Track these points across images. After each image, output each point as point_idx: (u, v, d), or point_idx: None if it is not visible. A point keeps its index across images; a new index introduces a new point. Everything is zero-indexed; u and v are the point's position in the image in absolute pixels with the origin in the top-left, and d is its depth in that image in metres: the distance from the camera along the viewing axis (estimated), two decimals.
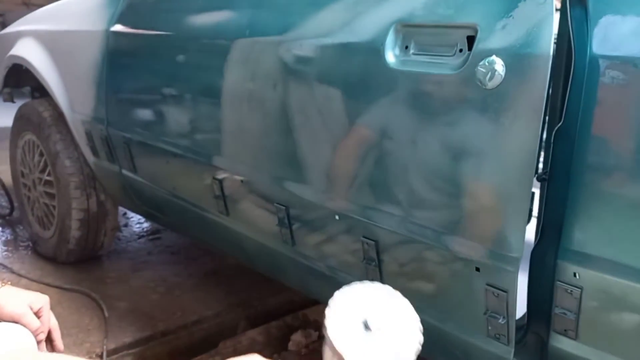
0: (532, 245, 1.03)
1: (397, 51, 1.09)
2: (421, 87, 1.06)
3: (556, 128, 0.97)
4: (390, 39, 1.10)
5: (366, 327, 0.74)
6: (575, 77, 0.93)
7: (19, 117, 2.61)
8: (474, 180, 1.00)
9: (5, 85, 2.78)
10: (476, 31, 0.98)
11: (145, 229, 3.02)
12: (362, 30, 1.16)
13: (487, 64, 0.94)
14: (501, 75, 0.93)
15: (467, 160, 1.01)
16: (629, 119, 0.90)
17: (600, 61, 0.90)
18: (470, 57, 0.98)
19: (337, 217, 1.25)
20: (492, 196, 0.99)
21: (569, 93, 0.94)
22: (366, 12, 1.17)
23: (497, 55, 0.94)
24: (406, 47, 1.09)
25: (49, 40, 2.35)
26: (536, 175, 0.98)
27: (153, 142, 1.81)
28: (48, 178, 2.47)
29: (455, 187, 1.02)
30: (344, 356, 0.72)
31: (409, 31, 1.09)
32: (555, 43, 0.97)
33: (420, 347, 0.75)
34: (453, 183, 1.03)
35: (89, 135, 2.18)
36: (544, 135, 1.00)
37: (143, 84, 1.87)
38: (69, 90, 2.24)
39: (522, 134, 0.93)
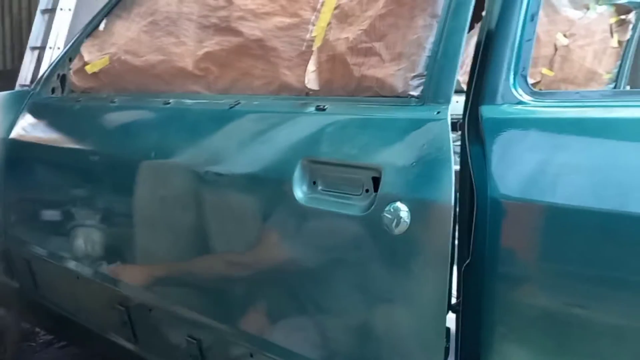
0: None
1: (304, 187, 1.07)
2: (329, 226, 1.03)
3: (465, 264, 0.97)
4: (297, 174, 1.07)
5: None
6: (478, 215, 0.94)
7: None
8: (387, 323, 0.98)
9: None
10: (381, 173, 0.97)
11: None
12: (271, 162, 1.13)
13: (392, 210, 0.93)
14: (407, 222, 0.92)
15: (379, 303, 0.98)
16: (529, 256, 0.91)
17: (501, 201, 0.92)
18: (376, 199, 0.96)
19: (251, 356, 1.18)
20: (406, 341, 0.96)
21: (474, 231, 0.94)
22: (274, 145, 1.15)
23: (401, 201, 0.93)
24: (314, 183, 1.07)
25: None
26: (449, 307, 0.97)
27: (55, 261, 1.69)
28: None
29: (368, 330, 0.99)
30: None
31: (316, 167, 1.07)
32: (459, 181, 0.98)
33: None
34: (365, 326, 0.99)
35: None
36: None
37: (45, 197, 1.76)
38: None
39: (431, 279, 0.92)
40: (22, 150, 1.83)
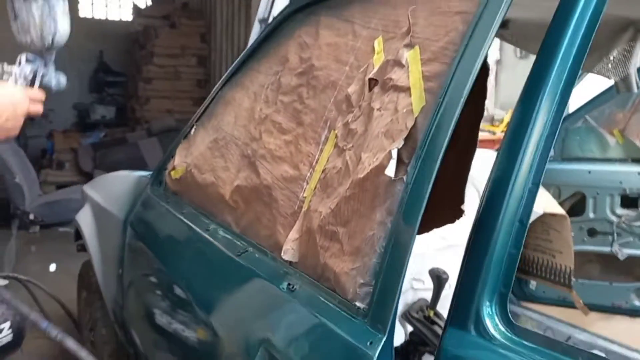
0: None
1: None
2: None
3: None
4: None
5: None
6: None
7: (80, 274, 2.79)
8: None
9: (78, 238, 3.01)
10: None
11: None
12: (242, 337, 1.06)
13: None
14: None
15: None
16: None
17: None
18: None
19: None
20: None
21: None
22: (249, 316, 1.07)
23: None
24: None
25: (97, 212, 2.51)
26: None
27: (141, 346, 1.82)
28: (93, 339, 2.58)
29: None
30: None
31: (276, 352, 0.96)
32: None
33: None
34: None
35: (114, 313, 2.26)
36: None
37: (140, 287, 1.90)
38: (103, 264, 2.36)
39: None
40: (134, 235, 2.00)
